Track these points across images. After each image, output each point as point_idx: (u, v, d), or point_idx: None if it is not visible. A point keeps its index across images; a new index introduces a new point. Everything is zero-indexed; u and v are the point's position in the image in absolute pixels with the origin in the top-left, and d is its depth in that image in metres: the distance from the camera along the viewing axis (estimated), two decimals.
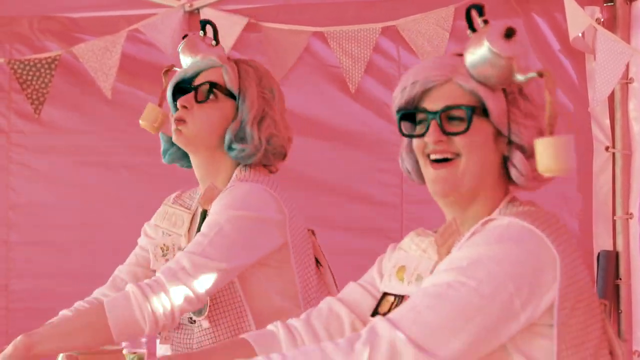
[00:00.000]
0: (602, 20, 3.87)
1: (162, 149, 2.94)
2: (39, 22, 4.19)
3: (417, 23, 3.97)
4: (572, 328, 1.90)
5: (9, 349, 2.36)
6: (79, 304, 2.82)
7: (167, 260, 2.82)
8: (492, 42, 1.93)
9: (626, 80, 3.89)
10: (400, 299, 2.08)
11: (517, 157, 2.01)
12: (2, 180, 4.27)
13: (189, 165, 2.88)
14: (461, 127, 1.99)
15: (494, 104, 1.99)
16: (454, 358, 1.84)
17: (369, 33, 4.02)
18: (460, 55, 2.02)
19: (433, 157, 2.02)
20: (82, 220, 4.22)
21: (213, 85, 2.76)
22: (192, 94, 2.77)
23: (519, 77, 1.94)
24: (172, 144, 2.88)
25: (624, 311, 3.89)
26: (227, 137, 2.76)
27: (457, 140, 1.99)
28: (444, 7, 3.97)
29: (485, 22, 1.98)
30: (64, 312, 2.78)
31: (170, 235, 2.88)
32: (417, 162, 2.10)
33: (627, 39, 3.86)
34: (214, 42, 2.90)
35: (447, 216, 2.09)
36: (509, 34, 1.94)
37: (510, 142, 2.01)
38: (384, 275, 2.18)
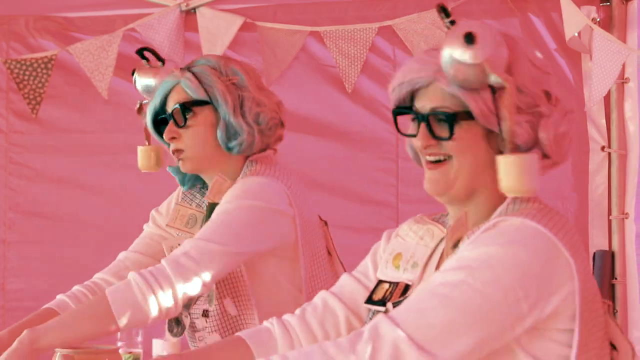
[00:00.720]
0: (598, 20, 3.87)
1: (178, 180, 2.96)
2: (35, 22, 4.19)
3: (413, 23, 3.96)
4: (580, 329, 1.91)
5: (13, 344, 2.37)
6: (76, 289, 2.87)
7: None
8: (452, 50, 1.90)
9: (622, 80, 3.88)
10: (395, 285, 2.08)
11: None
12: (1, 179, 4.26)
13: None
14: (447, 131, 1.98)
15: (477, 105, 1.95)
16: (456, 359, 1.84)
17: (365, 33, 4.02)
18: None
19: (427, 158, 2.03)
20: (81, 219, 4.22)
21: (183, 105, 2.77)
22: (171, 123, 2.80)
23: (493, 79, 1.91)
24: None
25: (619, 311, 3.88)
26: (221, 140, 2.78)
27: (445, 143, 1.99)
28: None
29: (452, 22, 1.94)
30: (61, 296, 2.83)
31: (184, 235, 2.90)
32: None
33: (623, 38, 3.85)
34: (160, 63, 2.92)
35: (449, 210, 2.09)
36: (469, 40, 1.89)
37: (503, 139, 1.97)
38: (378, 266, 2.18)
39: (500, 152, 1.96)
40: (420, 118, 2.00)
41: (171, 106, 2.80)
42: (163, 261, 2.57)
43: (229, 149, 2.78)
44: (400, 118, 2.08)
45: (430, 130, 1.99)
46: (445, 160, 2.00)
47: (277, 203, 2.71)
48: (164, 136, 2.82)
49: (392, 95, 2.05)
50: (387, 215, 4.05)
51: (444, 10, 1.94)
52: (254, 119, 2.77)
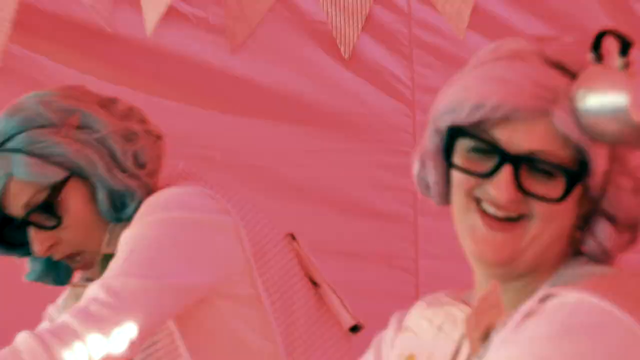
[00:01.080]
0: None
1: (51, 282, 2.62)
2: None
3: None
4: None
5: None
6: None
7: None
8: (634, 107, 1.69)
9: None
10: None
11: (603, 228, 1.77)
12: None
13: None
14: (550, 189, 1.73)
15: (598, 163, 1.75)
16: None
17: None
18: (567, 72, 1.71)
19: (491, 211, 1.75)
20: None
21: (44, 204, 2.41)
22: (35, 231, 2.41)
23: None
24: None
25: None
26: (109, 216, 2.44)
27: (538, 203, 1.75)
28: None
29: (627, 64, 1.69)
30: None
31: None
32: (445, 178, 1.84)
33: None
34: None
35: (480, 275, 1.83)
36: None
37: (595, 205, 1.78)
38: None
39: (585, 221, 1.80)
40: (509, 159, 1.73)
41: (18, 209, 2.40)
42: (66, 315, 2.26)
43: (128, 219, 2.41)
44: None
45: (518, 179, 1.74)
46: (519, 219, 1.75)
47: (201, 210, 2.38)
48: (36, 251, 2.41)
49: (473, 112, 1.74)
50: (401, 235, 3.61)
51: (623, 43, 1.67)
52: (134, 162, 2.44)
